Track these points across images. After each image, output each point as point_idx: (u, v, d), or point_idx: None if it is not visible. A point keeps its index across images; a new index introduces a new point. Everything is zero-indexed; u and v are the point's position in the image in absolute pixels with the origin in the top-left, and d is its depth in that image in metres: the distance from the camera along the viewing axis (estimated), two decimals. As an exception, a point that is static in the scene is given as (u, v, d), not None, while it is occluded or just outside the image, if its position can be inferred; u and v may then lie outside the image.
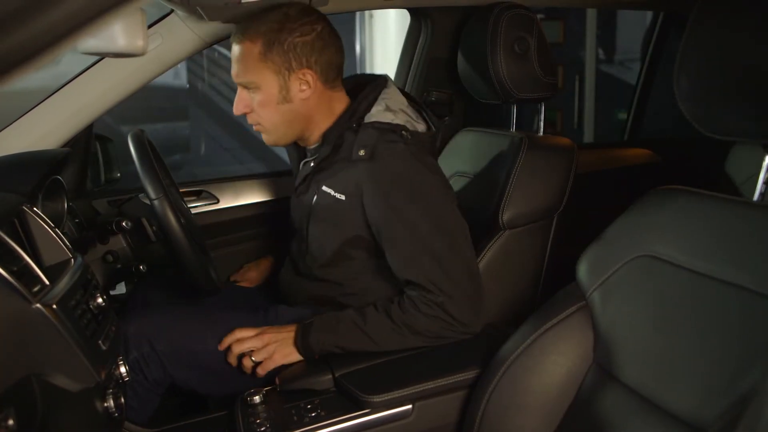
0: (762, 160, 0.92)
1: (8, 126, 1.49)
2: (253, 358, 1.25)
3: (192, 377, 1.32)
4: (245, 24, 1.30)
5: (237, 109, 1.33)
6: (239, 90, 1.33)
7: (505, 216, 1.40)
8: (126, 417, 1.23)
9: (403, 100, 1.35)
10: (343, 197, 1.29)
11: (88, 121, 1.55)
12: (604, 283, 1.03)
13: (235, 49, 1.31)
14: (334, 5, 1.65)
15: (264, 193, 1.91)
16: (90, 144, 1.67)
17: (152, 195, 1.29)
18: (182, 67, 5.22)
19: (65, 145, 1.54)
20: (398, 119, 1.29)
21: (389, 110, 1.29)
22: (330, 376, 1.20)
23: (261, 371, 1.25)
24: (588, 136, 4.68)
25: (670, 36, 2.57)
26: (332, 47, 1.32)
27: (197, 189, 1.84)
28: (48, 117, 1.50)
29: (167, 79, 5.08)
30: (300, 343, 1.24)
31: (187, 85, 5.34)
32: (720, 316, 0.86)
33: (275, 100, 1.30)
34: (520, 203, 1.41)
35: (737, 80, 0.86)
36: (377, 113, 1.29)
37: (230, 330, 1.29)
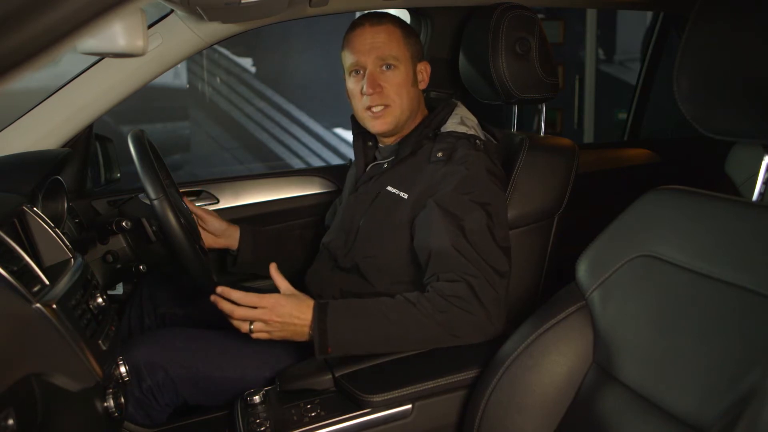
0: (762, 160, 0.92)
1: (8, 126, 1.50)
2: (251, 328, 1.20)
3: (207, 399, 1.32)
4: (375, 15, 1.43)
5: (372, 86, 1.38)
6: (371, 69, 1.39)
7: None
8: (126, 417, 1.23)
9: (474, 118, 1.46)
10: (405, 195, 1.36)
11: (88, 121, 1.55)
12: (604, 283, 1.03)
13: (376, 30, 1.40)
14: (334, 5, 1.65)
15: (264, 193, 1.91)
16: (90, 144, 1.67)
17: (152, 195, 1.29)
18: (182, 67, 5.21)
19: (65, 145, 1.54)
20: (472, 131, 1.40)
21: (463, 124, 1.41)
22: (330, 376, 1.19)
23: (253, 336, 1.21)
24: (588, 136, 4.68)
25: (670, 36, 2.57)
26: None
27: (197, 189, 1.84)
28: (48, 117, 1.50)
29: (167, 79, 5.08)
30: (317, 329, 1.17)
31: (187, 85, 5.34)
32: (720, 316, 0.86)
33: (409, 81, 1.42)
34: (521, 204, 1.41)
35: (737, 80, 0.86)
36: (452, 125, 1.41)
37: (245, 355, 1.29)
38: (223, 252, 1.65)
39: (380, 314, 1.19)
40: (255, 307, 1.19)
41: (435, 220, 1.26)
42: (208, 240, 1.58)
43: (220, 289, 1.21)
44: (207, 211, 1.60)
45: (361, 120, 1.45)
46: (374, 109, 1.39)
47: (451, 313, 1.18)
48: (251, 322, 1.20)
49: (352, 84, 1.42)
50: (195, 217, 1.54)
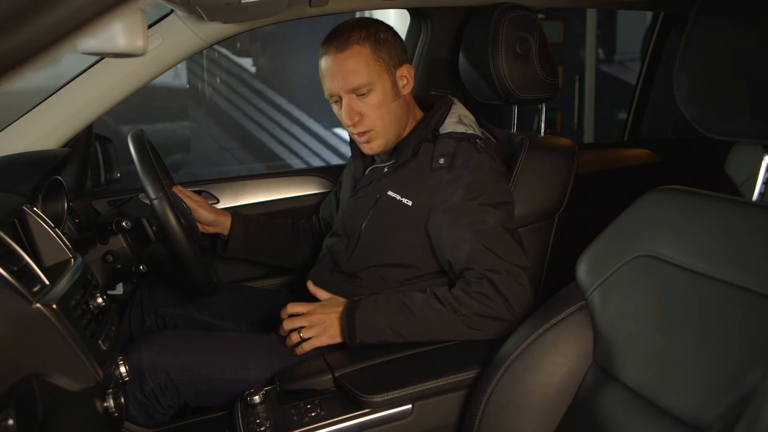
0: (762, 160, 0.92)
1: (8, 126, 1.49)
2: (301, 335, 1.27)
3: (208, 400, 1.32)
4: (340, 35, 1.34)
5: (350, 118, 1.35)
6: (347, 100, 1.34)
7: (506, 216, 1.40)
8: (126, 417, 1.23)
9: (471, 115, 1.44)
10: (410, 203, 1.35)
11: (88, 121, 1.55)
12: (604, 283, 1.03)
13: (341, 57, 1.32)
14: (334, 5, 1.65)
15: (264, 193, 1.91)
16: (90, 144, 1.67)
17: (152, 195, 1.29)
18: (182, 67, 5.22)
19: (65, 145, 1.54)
20: (471, 130, 1.38)
21: (461, 123, 1.38)
22: (330, 376, 1.19)
23: (307, 347, 1.28)
24: (588, 137, 4.69)
25: (670, 36, 2.58)
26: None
27: (197, 189, 1.84)
28: (48, 117, 1.50)
29: (167, 79, 5.08)
30: (345, 322, 1.25)
31: (187, 85, 5.34)
32: (720, 317, 0.86)
33: (390, 98, 1.36)
34: (522, 204, 1.41)
35: (737, 80, 0.86)
36: (451, 125, 1.38)
37: (247, 357, 1.31)
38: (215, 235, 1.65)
39: (404, 307, 1.24)
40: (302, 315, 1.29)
41: (449, 229, 1.28)
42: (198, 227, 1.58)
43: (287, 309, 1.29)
44: (197, 201, 1.58)
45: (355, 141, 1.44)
46: (359, 138, 1.39)
47: (473, 308, 1.22)
48: (300, 331, 1.27)
49: (336, 109, 1.40)
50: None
